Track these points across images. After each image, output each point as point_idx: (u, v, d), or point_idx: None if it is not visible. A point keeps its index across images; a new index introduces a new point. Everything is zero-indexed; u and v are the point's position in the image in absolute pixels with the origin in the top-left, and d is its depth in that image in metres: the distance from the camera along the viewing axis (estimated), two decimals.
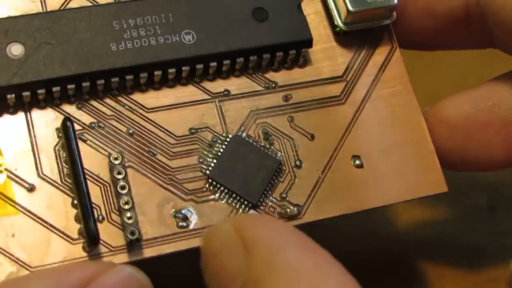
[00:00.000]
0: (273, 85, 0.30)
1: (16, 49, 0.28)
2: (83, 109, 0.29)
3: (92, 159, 0.28)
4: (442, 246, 0.36)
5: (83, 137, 0.28)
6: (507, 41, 0.32)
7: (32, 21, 0.28)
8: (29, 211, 0.27)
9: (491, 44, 0.33)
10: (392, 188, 0.30)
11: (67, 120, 0.28)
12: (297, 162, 0.30)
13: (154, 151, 0.29)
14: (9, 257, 0.26)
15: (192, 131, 0.29)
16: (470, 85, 0.33)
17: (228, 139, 0.29)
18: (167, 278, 0.28)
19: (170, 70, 0.29)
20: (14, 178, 0.27)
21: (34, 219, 0.27)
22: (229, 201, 0.29)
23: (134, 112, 0.29)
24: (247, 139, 0.29)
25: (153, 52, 0.29)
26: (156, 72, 0.29)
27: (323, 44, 0.31)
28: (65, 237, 0.27)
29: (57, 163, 0.28)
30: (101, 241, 0.27)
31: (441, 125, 0.32)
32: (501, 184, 0.38)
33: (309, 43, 0.30)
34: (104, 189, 0.28)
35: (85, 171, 0.27)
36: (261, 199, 0.29)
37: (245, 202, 0.29)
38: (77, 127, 0.28)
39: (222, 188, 0.29)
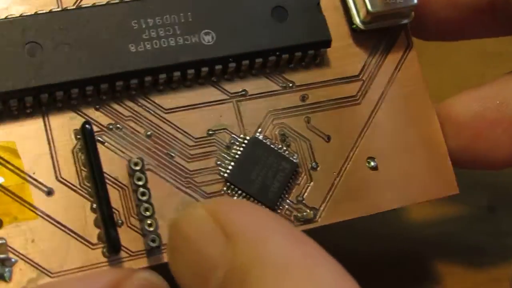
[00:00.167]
0: (290, 85, 0.30)
1: (33, 50, 0.27)
2: (100, 110, 0.28)
3: (110, 161, 0.28)
4: (442, 246, 0.36)
5: (101, 139, 0.28)
6: None
7: (50, 21, 0.27)
8: (48, 216, 0.27)
9: None
10: (406, 190, 0.31)
11: (87, 124, 0.27)
12: (313, 164, 0.30)
13: (172, 153, 0.29)
14: (29, 263, 0.26)
15: (210, 132, 0.29)
16: (471, 85, 0.33)
17: (245, 141, 0.29)
18: None
19: (189, 71, 0.29)
20: (32, 182, 0.27)
21: (53, 224, 0.27)
22: None
23: (152, 113, 0.29)
24: (264, 141, 0.29)
25: (172, 53, 0.28)
26: (175, 73, 0.28)
27: (340, 41, 0.31)
28: (84, 242, 0.27)
29: (75, 166, 0.28)
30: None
31: (449, 124, 0.32)
32: (501, 184, 0.38)
33: (328, 43, 0.30)
34: (122, 193, 0.28)
35: (104, 174, 0.27)
36: (278, 203, 0.29)
37: (262, 206, 0.29)
38: (95, 128, 0.28)
39: (240, 191, 0.29)
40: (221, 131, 0.29)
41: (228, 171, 0.29)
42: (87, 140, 0.27)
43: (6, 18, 0.27)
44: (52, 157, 0.27)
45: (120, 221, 0.27)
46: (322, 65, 0.31)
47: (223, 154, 0.29)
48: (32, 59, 0.27)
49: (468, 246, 0.36)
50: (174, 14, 0.29)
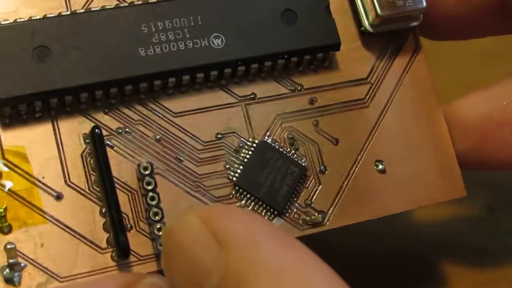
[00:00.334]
0: (299, 88, 0.30)
1: (42, 54, 0.27)
2: (109, 114, 0.28)
3: (120, 165, 0.28)
4: (442, 246, 0.37)
5: (110, 143, 0.28)
6: None
7: (59, 25, 0.27)
8: (57, 220, 0.27)
9: None
10: (414, 193, 0.31)
11: (96, 128, 0.27)
12: (322, 168, 0.30)
13: (181, 157, 0.28)
14: (38, 268, 0.26)
15: (219, 136, 0.29)
16: (471, 84, 0.33)
17: (254, 145, 0.29)
18: None
19: (198, 75, 0.29)
20: (42, 186, 0.27)
21: (62, 228, 0.27)
22: (255, 208, 0.29)
23: (161, 116, 0.29)
24: (273, 144, 0.29)
25: (182, 57, 0.28)
26: (184, 77, 0.28)
27: (348, 44, 0.31)
28: (93, 246, 0.27)
29: (85, 170, 0.27)
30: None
31: (456, 126, 0.32)
32: (501, 184, 0.38)
33: (337, 46, 0.30)
34: (131, 197, 0.28)
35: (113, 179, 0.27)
36: (286, 206, 0.29)
37: (271, 209, 0.29)
38: (104, 132, 0.28)
39: (248, 195, 0.29)
40: (230, 134, 0.29)
41: (237, 174, 0.29)
42: (96, 144, 0.27)
43: (15, 21, 0.27)
44: (61, 161, 0.27)
45: (129, 226, 0.27)
46: (331, 68, 0.31)
47: (231, 158, 0.29)
48: (41, 63, 0.27)
49: (468, 246, 0.37)
50: (184, 18, 0.28)
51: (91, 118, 0.28)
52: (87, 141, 0.28)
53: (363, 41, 0.31)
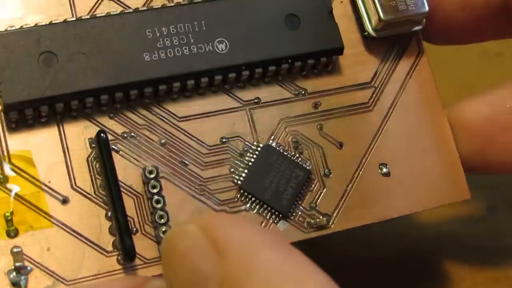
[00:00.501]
0: (303, 92, 0.30)
1: (48, 60, 0.27)
2: (115, 118, 0.28)
3: (125, 170, 0.28)
4: (442, 246, 0.37)
5: (115, 148, 0.28)
6: None
7: (64, 30, 0.28)
8: (63, 224, 0.27)
9: None
10: (418, 196, 0.31)
11: (102, 132, 0.27)
12: (326, 171, 0.30)
13: (186, 161, 0.29)
14: (44, 271, 0.27)
15: (224, 140, 0.29)
16: (471, 85, 0.33)
17: (259, 149, 0.29)
18: None
19: (202, 80, 0.29)
20: (48, 190, 0.27)
21: (68, 232, 0.27)
22: (260, 211, 0.29)
23: (166, 121, 0.29)
24: (277, 148, 0.30)
25: (186, 62, 0.28)
26: (189, 82, 0.29)
27: (351, 48, 0.31)
28: (99, 249, 0.27)
29: (90, 174, 0.28)
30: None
31: (460, 129, 0.32)
32: (501, 184, 0.38)
33: (340, 50, 0.30)
34: (137, 201, 0.28)
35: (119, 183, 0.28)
36: (291, 210, 0.29)
37: (276, 213, 0.29)
38: (109, 137, 0.28)
39: (253, 198, 0.29)
40: (235, 138, 0.29)
41: (241, 178, 0.29)
42: (102, 149, 0.27)
43: (21, 28, 0.28)
44: (67, 165, 0.28)
45: (134, 229, 0.28)
46: (334, 72, 0.31)
47: (236, 162, 0.29)
48: (47, 68, 0.27)
49: (468, 246, 0.37)
50: (188, 23, 0.29)
51: (96, 122, 0.28)
52: (93, 145, 0.28)
53: (366, 46, 0.31)
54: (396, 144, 0.31)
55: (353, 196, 0.30)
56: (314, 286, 0.22)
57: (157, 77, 0.28)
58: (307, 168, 0.30)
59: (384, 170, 0.30)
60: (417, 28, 0.31)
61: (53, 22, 0.28)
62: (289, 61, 0.29)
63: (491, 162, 0.33)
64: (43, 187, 0.27)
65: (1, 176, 0.27)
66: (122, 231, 0.27)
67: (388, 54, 0.32)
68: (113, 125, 0.28)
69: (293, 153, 0.30)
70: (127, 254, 0.27)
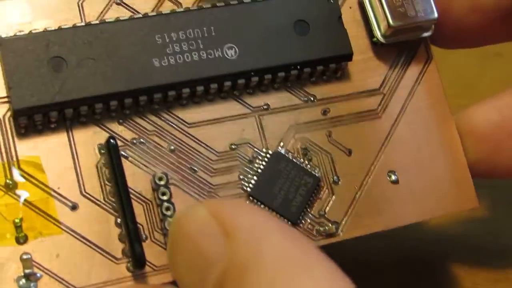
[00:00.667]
0: (312, 99, 0.30)
1: (58, 65, 0.27)
2: (124, 124, 0.28)
3: (134, 176, 0.28)
4: (442, 245, 0.36)
5: (124, 154, 0.28)
6: None
7: (74, 35, 0.27)
8: (72, 230, 0.27)
9: None
10: (426, 204, 0.31)
11: (111, 139, 0.27)
12: (335, 178, 0.30)
13: (195, 168, 0.29)
14: (54, 278, 0.26)
15: (233, 146, 0.29)
16: (471, 85, 0.33)
17: (268, 156, 0.29)
18: None
19: (212, 86, 0.29)
20: (57, 197, 0.27)
21: (77, 239, 0.27)
22: None
23: (175, 127, 0.29)
24: (286, 155, 0.29)
25: (196, 68, 0.28)
26: (198, 88, 0.28)
27: (360, 54, 0.31)
28: (108, 256, 0.27)
29: (100, 180, 0.28)
30: None
31: (469, 136, 0.32)
32: (501, 184, 0.38)
33: (349, 57, 0.30)
34: (146, 207, 0.28)
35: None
36: (300, 217, 0.29)
37: (285, 220, 0.29)
38: (118, 143, 0.28)
39: (262, 206, 0.29)
40: (244, 145, 0.29)
41: (250, 185, 0.29)
42: (112, 155, 0.27)
43: (30, 32, 0.27)
44: (76, 171, 0.27)
45: (144, 236, 0.27)
46: (343, 78, 0.31)
47: (245, 168, 0.29)
48: (56, 73, 0.27)
49: (468, 246, 0.37)
50: (197, 28, 0.29)
51: (105, 128, 0.28)
52: (102, 151, 0.28)
53: (375, 52, 0.31)
54: (404, 151, 0.31)
55: (362, 204, 0.30)
56: (322, 273, 0.22)
57: (167, 83, 0.28)
58: (316, 175, 0.29)
59: (393, 177, 0.30)
60: (426, 34, 0.31)
61: (62, 27, 0.28)
62: (298, 67, 0.29)
63: (499, 168, 0.32)
64: (52, 193, 0.27)
65: (10, 182, 0.27)
66: (132, 238, 0.27)
67: (396, 60, 0.32)
68: (122, 131, 0.28)
69: (302, 160, 0.30)
70: (137, 262, 0.27)
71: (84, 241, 0.27)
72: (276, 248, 0.23)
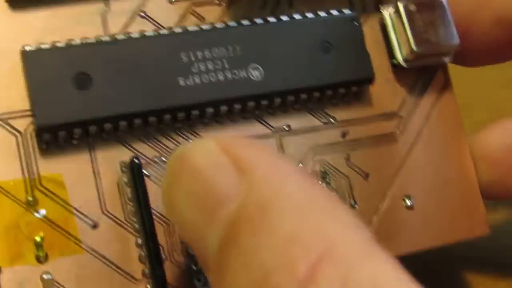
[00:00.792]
0: (332, 120, 0.30)
1: (83, 81, 0.27)
2: (146, 142, 0.28)
3: (156, 195, 0.27)
4: (442, 246, 0.37)
5: (146, 172, 0.27)
6: None
7: (99, 50, 0.27)
8: (92, 249, 0.27)
9: None
10: (439, 230, 0.31)
11: (136, 159, 0.27)
12: (352, 202, 0.30)
13: None
14: None
15: None
16: (472, 88, 0.33)
17: None
18: None
19: (235, 106, 0.28)
20: (78, 215, 0.27)
21: (97, 258, 0.27)
22: None
23: None
24: None
25: (221, 88, 0.28)
26: (221, 108, 0.28)
27: (380, 76, 0.31)
28: (128, 277, 0.27)
29: (121, 199, 0.27)
30: None
31: (482, 159, 0.32)
32: None
33: (371, 80, 0.30)
34: (167, 228, 0.27)
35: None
36: None
37: None
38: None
39: None
40: None
41: None
42: (135, 175, 0.27)
43: (54, 45, 0.27)
44: (97, 189, 0.27)
45: (164, 257, 0.27)
46: (363, 100, 0.31)
47: None
48: (81, 90, 0.26)
49: (468, 246, 0.36)
50: (223, 48, 0.28)
51: (128, 146, 0.28)
52: (124, 169, 0.27)
53: (395, 74, 0.31)
54: (420, 176, 0.31)
55: (377, 228, 0.30)
56: (348, 218, 0.22)
57: (192, 103, 0.27)
58: None
59: (408, 202, 0.30)
60: (446, 59, 0.31)
61: (88, 41, 0.27)
62: (321, 89, 0.29)
63: (511, 191, 0.33)
64: (74, 211, 0.27)
65: (31, 199, 0.26)
66: (153, 260, 0.26)
67: (415, 84, 0.32)
68: (145, 149, 0.28)
69: (320, 182, 0.30)
70: (157, 284, 0.26)
71: (104, 260, 0.27)
72: (298, 189, 0.21)
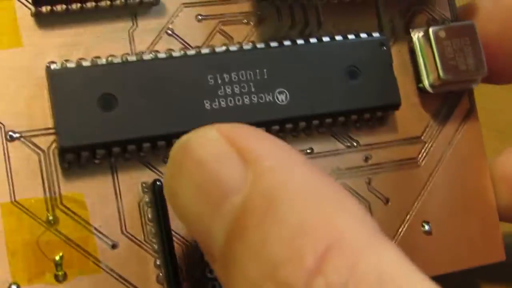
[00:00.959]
0: (355, 144, 0.30)
1: (108, 102, 0.26)
2: None
3: (175, 216, 0.27)
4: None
5: None
6: None
7: (125, 71, 0.27)
8: (111, 270, 0.27)
9: None
10: (456, 256, 0.31)
11: (158, 181, 0.27)
12: None
13: None
14: None
15: None
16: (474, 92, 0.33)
17: None
18: None
19: None
20: (98, 234, 0.27)
21: (116, 278, 0.27)
22: None
23: None
24: None
25: (246, 112, 0.28)
26: None
27: (406, 100, 0.30)
28: None
29: (141, 220, 0.27)
30: None
31: (501, 182, 0.32)
32: None
33: (397, 106, 0.30)
34: (186, 250, 0.28)
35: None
36: None
37: None
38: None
39: None
40: None
41: None
42: (157, 196, 0.27)
43: (79, 64, 0.26)
44: (118, 209, 0.27)
45: (182, 279, 0.27)
46: (387, 124, 0.30)
47: None
48: (106, 111, 0.26)
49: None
50: (250, 70, 0.28)
51: (150, 167, 0.28)
52: (146, 190, 0.27)
53: (420, 98, 0.31)
54: (439, 201, 0.31)
55: None
56: (355, 209, 0.21)
57: None
58: None
59: (427, 227, 0.30)
60: (472, 86, 0.31)
61: (113, 61, 0.27)
62: (346, 114, 0.29)
63: None
64: (93, 230, 0.27)
65: (52, 218, 0.26)
66: (171, 281, 0.27)
67: (440, 109, 0.31)
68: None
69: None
70: None
71: (122, 281, 0.27)
72: (306, 180, 0.21)
